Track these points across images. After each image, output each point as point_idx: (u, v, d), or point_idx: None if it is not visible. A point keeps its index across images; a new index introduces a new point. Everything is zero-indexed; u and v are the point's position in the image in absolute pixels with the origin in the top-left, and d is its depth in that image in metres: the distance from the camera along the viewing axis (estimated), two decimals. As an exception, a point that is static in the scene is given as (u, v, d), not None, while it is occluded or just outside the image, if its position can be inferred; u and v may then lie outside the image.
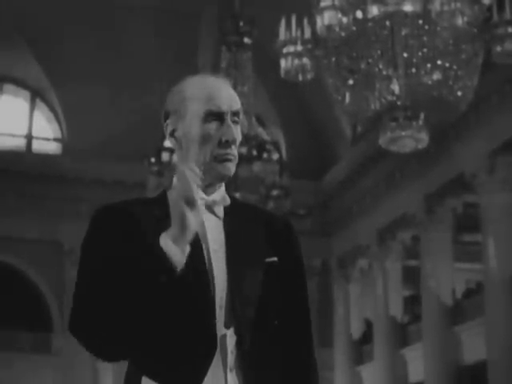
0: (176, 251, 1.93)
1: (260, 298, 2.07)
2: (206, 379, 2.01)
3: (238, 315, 2.04)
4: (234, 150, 2.13)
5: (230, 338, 2.03)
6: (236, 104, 2.14)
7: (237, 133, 2.13)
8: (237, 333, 2.03)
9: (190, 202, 1.91)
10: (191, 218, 1.92)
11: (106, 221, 2.09)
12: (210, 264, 2.07)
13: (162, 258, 1.93)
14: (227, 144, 2.11)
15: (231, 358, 2.03)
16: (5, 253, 20.92)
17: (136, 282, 1.94)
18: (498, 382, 14.89)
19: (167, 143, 20.09)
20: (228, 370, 2.02)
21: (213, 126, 2.13)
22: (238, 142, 2.15)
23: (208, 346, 2.01)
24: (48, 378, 20.31)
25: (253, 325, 2.05)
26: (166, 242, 1.93)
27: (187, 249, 1.95)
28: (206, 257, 2.08)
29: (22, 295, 21.00)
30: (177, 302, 2.02)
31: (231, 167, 2.13)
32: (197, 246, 2.06)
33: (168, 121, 2.17)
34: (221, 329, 2.03)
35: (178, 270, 1.94)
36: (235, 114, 2.14)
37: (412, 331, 19.03)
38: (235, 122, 2.14)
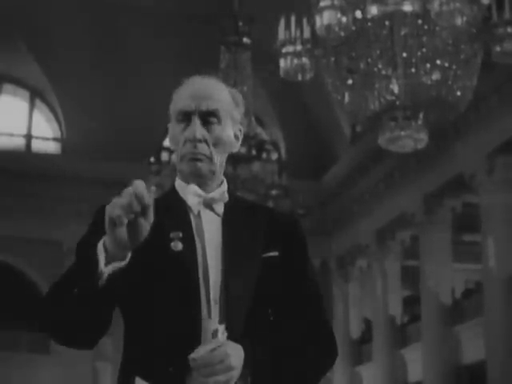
0: (101, 259, 1.92)
1: (255, 294, 2.08)
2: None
3: (230, 311, 2.06)
4: (201, 149, 2.12)
5: (222, 333, 2.05)
6: (209, 104, 2.13)
7: (202, 131, 2.12)
8: (228, 328, 2.05)
9: (113, 222, 1.88)
10: (119, 234, 1.88)
11: (97, 220, 2.13)
12: (205, 261, 2.09)
13: (90, 261, 1.93)
14: (191, 143, 2.11)
15: None
16: (4, 253, 20.92)
17: (68, 281, 1.99)
18: (497, 382, 14.90)
19: (166, 143, 20.11)
20: None
21: (181, 125, 2.15)
22: (212, 141, 2.13)
23: (191, 343, 2.02)
24: (47, 378, 20.31)
25: (244, 321, 2.07)
26: (99, 247, 1.94)
27: (119, 263, 1.92)
28: (200, 254, 2.09)
29: (22, 295, 20.99)
30: (165, 296, 2.06)
31: (200, 166, 2.12)
32: (190, 243, 2.08)
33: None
34: (214, 324, 2.05)
35: (101, 278, 1.92)
36: (208, 113, 2.13)
37: (411, 331, 19.02)
38: (209, 122, 2.13)
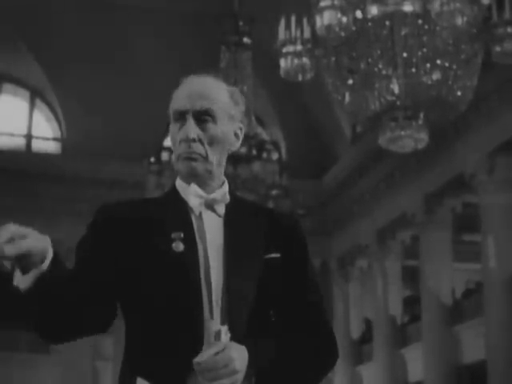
0: (17, 273, 2.00)
1: (257, 295, 2.08)
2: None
3: (232, 312, 2.06)
4: (196, 148, 2.11)
5: (225, 334, 2.04)
6: (202, 103, 2.12)
7: (195, 131, 2.11)
8: (230, 329, 2.05)
9: None
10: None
11: (98, 220, 2.12)
12: (207, 262, 2.09)
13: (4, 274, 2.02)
14: (185, 142, 2.11)
15: None
16: (4, 252, 20.91)
17: None
18: (498, 382, 14.89)
19: (167, 143, 20.10)
20: None
21: (177, 125, 2.14)
22: (207, 140, 2.12)
23: (193, 344, 2.02)
24: (47, 378, 20.30)
25: (247, 321, 2.06)
26: None
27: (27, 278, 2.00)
28: (202, 255, 2.09)
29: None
30: (166, 297, 2.05)
31: (194, 166, 2.12)
32: (192, 244, 2.08)
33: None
34: (216, 325, 2.05)
35: (23, 288, 2.01)
36: (202, 112, 2.13)
37: (411, 331, 19.02)
38: (203, 121, 2.13)
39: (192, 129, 2.11)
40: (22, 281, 1.98)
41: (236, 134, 2.20)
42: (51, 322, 2.04)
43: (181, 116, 2.13)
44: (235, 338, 2.03)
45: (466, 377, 17.02)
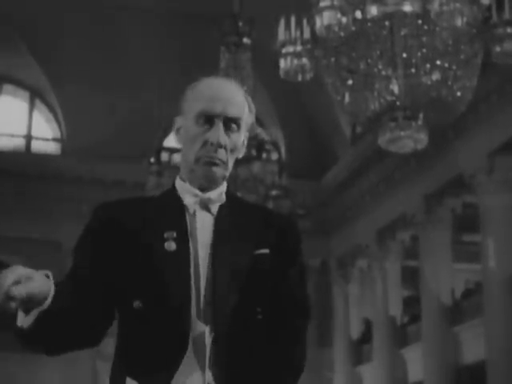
0: (20, 314, 2.04)
1: (244, 293, 2.08)
2: (183, 376, 2.03)
3: (218, 312, 2.06)
4: (220, 154, 2.11)
5: (210, 334, 2.05)
6: (234, 110, 2.13)
7: (224, 137, 2.11)
8: (214, 330, 2.05)
9: None
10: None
11: (91, 224, 2.15)
12: (197, 261, 2.09)
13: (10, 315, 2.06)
14: (212, 147, 2.11)
15: (209, 355, 2.05)
16: (4, 253, 20.90)
17: None
18: (498, 382, 14.89)
19: (166, 143, 20.11)
20: (207, 367, 2.04)
21: (202, 127, 2.13)
22: (230, 148, 2.13)
23: (179, 343, 2.03)
24: (47, 377, 20.31)
25: (231, 320, 2.06)
26: None
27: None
28: (192, 255, 2.09)
29: (22, 295, 20.98)
30: (156, 297, 2.06)
31: (215, 171, 2.12)
32: (184, 244, 2.08)
33: (177, 117, 2.19)
34: (202, 326, 2.05)
35: (25, 327, 2.06)
36: (232, 120, 2.13)
37: (411, 331, 19.03)
38: (230, 129, 2.13)
39: (222, 134, 2.12)
40: (24, 320, 2.02)
41: (243, 141, 2.22)
42: (50, 340, 2.11)
43: (208, 118, 2.13)
44: (217, 338, 2.04)
45: (465, 377, 17.01)
